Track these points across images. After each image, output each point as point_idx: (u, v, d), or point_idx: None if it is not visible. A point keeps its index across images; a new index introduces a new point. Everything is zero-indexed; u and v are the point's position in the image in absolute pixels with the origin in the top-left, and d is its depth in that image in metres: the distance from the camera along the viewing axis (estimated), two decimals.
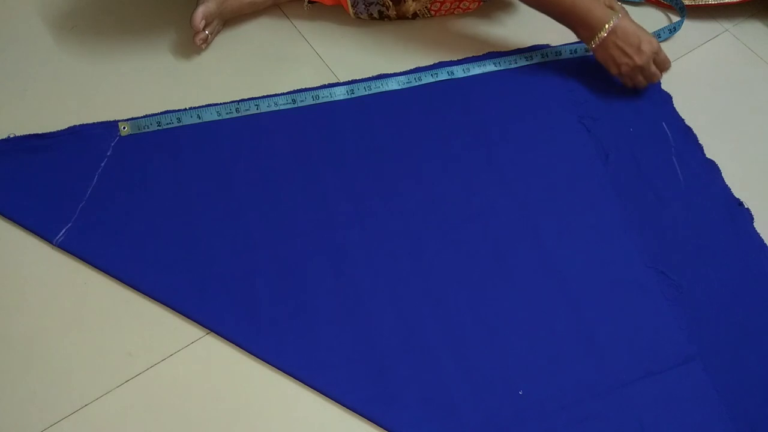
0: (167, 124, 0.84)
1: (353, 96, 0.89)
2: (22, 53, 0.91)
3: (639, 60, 0.88)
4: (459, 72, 0.93)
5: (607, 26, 0.86)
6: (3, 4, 0.96)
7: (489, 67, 0.94)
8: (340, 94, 0.89)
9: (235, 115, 0.86)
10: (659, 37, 1.00)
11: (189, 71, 0.91)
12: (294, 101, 0.87)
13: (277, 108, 0.87)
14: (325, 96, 0.88)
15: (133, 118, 0.84)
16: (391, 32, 0.99)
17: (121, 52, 0.92)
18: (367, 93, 0.89)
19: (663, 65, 0.91)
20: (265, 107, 0.86)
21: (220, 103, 0.87)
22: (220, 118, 0.85)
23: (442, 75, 0.92)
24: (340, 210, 0.80)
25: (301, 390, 0.70)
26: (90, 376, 0.69)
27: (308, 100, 0.87)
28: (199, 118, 0.85)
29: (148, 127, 0.83)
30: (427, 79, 0.91)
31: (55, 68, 0.89)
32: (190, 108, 0.86)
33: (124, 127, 0.83)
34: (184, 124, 0.84)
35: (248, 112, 0.86)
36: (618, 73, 0.90)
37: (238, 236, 0.77)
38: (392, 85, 0.90)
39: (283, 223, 0.79)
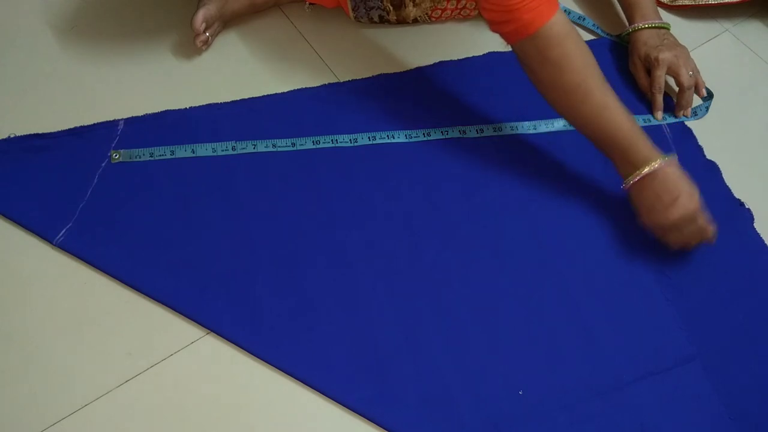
0: (159, 155, 0.82)
1: (356, 144, 0.86)
2: (22, 54, 0.91)
3: (670, 215, 0.74)
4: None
5: (649, 166, 0.74)
6: (3, 4, 0.96)
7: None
8: (342, 141, 0.85)
9: (230, 153, 0.83)
10: (695, 115, 0.93)
11: (189, 71, 0.91)
12: (293, 144, 0.85)
13: (275, 149, 0.84)
14: (326, 142, 0.85)
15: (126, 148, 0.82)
16: (391, 33, 0.99)
17: (121, 52, 0.92)
18: (370, 143, 0.86)
19: (702, 233, 0.76)
20: (262, 148, 0.84)
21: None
22: (215, 154, 0.83)
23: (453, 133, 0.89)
24: (340, 210, 0.80)
25: (301, 390, 0.70)
26: (90, 376, 0.69)
27: (308, 144, 0.85)
28: (193, 153, 0.82)
29: (139, 157, 0.82)
30: (437, 135, 0.88)
31: (56, 68, 0.89)
32: (185, 144, 0.83)
33: (116, 155, 0.81)
34: (177, 156, 0.82)
35: (245, 151, 0.84)
36: (646, 223, 0.78)
37: (238, 236, 0.77)
38: (399, 137, 0.87)
39: (283, 223, 0.79)
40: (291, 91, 0.90)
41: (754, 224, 0.84)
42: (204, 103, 0.87)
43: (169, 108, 0.86)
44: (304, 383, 0.70)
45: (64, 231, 0.75)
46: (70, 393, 0.68)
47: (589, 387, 0.71)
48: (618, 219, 0.83)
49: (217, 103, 0.88)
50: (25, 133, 0.82)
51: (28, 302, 0.73)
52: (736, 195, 0.86)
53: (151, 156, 0.82)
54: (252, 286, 0.74)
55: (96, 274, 0.74)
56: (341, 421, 0.69)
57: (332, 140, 0.85)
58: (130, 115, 0.85)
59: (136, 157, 0.81)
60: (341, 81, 0.92)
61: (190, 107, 0.87)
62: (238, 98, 0.88)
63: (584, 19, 1.01)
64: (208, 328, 0.72)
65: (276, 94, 0.89)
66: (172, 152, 0.82)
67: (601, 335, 0.75)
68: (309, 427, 0.68)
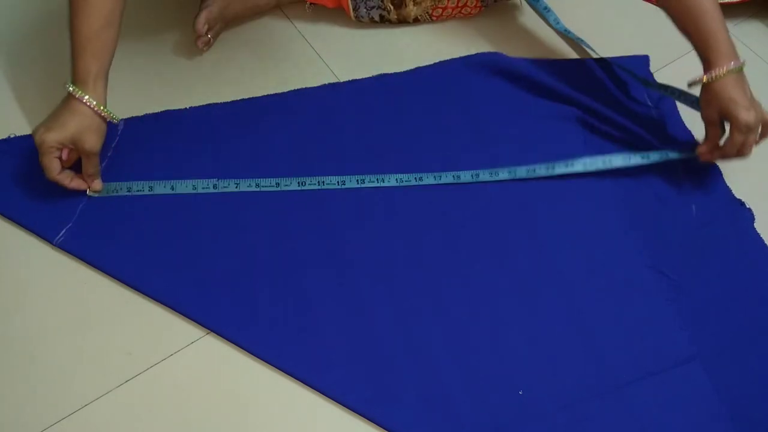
0: (137, 190, 0.79)
1: (344, 187, 0.81)
2: (22, 53, 0.91)
3: (758, 114, 0.78)
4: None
5: (741, 62, 0.79)
6: (1, 5, 0.96)
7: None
8: (330, 183, 0.81)
9: (211, 191, 0.80)
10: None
11: (190, 71, 0.91)
12: (277, 185, 0.80)
13: (258, 189, 0.80)
14: (312, 184, 0.81)
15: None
16: (391, 33, 0.99)
17: (122, 53, 0.91)
18: (359, 186, 0.81)
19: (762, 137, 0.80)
20: (245, 187, 0.80)
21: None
22: (195, 192, 0.79)
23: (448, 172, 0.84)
24: (339, 210, 0.80)
25: (301, 390, 0.70)
26: (90, 376, 0.69)
27: (293, 185, 0.80)
28: (173, 190, 0.79)
29: (117, 191, 0.78)
30: (429, 181, 0.84)
31: (55, 68, 0.89)
32: (163, 180, 0.80)
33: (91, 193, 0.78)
34: (158, 192, 0.79)
35: (226, 190, 0.80)
36: (736, 120, 0.77)
37: (238, 236, 0.77)
38: (390, 181, 0.83)
39: (282, 222, 0.79)
40: (291, 91, 0.90)
41: (755, 224, 0.84)
42: (204, 103, 0.87)
43: (169, 108, 0.86)
44: (304, 383, 0.70)
45: (64, 231, 0.75)
46: (70, 393, 0.68)
47: (589, 387, 0.71)
48: (618, 219, 0.83)
49: (217, 103, 0.88)
50: (25, 133, 0.82)
51: (28, 302, 0.73)
52: (737, 195, 0.86)
53: (129, 191, 0.78)
54: (252, 285, 0.74)
55: (96, 274, 0.74)
56: (341, 421, 0.69)
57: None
58: (130, 115, 0.85)
59: (113, 192, 0.78)
60: (341, 81, 0.92)
61: (190, 107, 0.87)
62: (238, 98, 0.88)
63: (582, 41, 0.98)
64: (208, 328, 0.72)
65: (276, 94, 0.89)
66: (151, 188, 0.79)
67: (601, 335, 0.74)
68: (309, 427, 0.68)
